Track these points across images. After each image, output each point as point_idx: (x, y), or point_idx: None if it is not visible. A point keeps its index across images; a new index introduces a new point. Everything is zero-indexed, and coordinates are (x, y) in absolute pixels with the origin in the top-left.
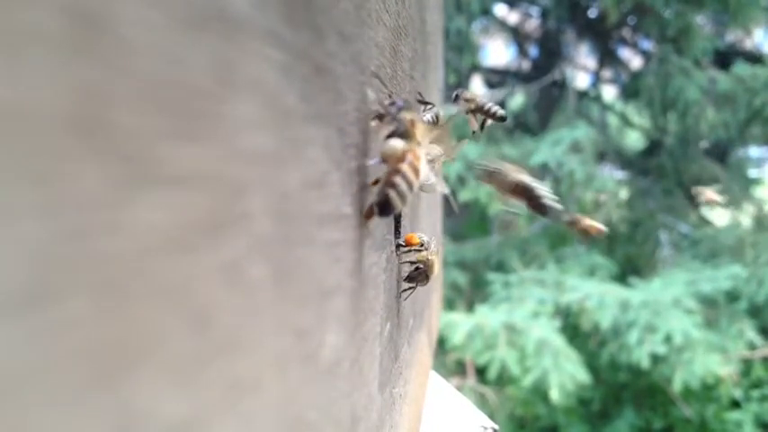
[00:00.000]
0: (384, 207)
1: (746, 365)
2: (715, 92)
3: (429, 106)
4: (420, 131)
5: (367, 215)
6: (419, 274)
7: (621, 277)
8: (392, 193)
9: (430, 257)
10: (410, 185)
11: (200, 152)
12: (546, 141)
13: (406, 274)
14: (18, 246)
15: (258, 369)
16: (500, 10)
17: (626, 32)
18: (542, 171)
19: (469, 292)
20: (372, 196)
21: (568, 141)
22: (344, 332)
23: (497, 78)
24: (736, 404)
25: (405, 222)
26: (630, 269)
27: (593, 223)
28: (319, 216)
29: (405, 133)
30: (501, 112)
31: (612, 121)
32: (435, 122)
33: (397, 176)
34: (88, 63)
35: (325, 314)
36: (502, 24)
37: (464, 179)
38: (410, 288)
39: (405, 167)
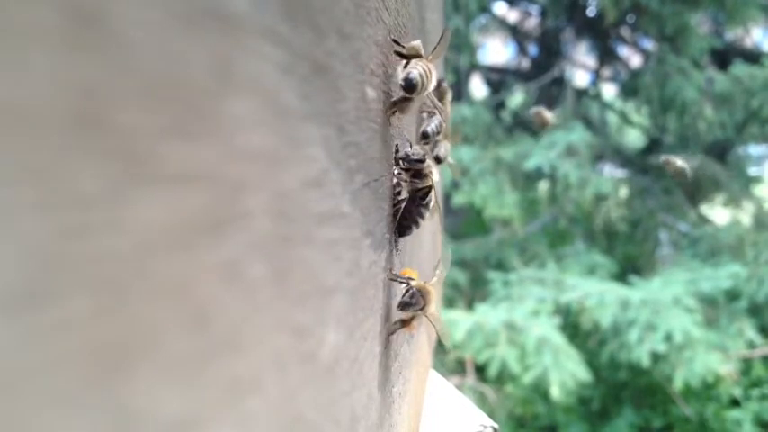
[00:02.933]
0: (410, 84)
1: (746, 364)
2: (713, 92)
3: (432, 115)
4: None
5: (392, 105)
6: (413, 301)
7: (621, 276)
8: (414, 73)
9: (425, 285)
10: (428, 74)
11: (200, 150)
12: (541, 145)
13: (400, 301)
14: (17, 244)
15: (258, 368)
16: (499, 8)
17: (625, 31)
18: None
19: (469, 291)
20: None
21: (563, 144)
22: (344, 331)
23: (497, 77)
24: (735, 403)
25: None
26: (630, 268)
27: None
28: (319, 215)
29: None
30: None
31: (612, 119)
32: (438, 132)
33: (418, 65)
34: (87, 61)
35: (324, 313)
36: (501, 23)
37: (458, 183)
38: (399, 322)
39: (422, 63)
